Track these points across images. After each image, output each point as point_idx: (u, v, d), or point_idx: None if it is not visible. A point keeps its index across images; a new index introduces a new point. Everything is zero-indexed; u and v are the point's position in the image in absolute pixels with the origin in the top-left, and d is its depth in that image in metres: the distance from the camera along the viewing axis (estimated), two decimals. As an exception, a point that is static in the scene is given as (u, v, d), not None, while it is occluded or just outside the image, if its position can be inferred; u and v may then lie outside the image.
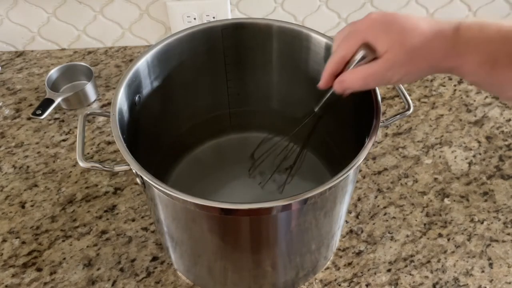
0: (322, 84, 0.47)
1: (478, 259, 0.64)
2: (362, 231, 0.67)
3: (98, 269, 0.64)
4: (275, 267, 0.56)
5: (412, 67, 0.42)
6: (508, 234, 0.67)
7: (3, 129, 0.82)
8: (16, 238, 0.67)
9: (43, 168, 0.75)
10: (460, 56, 0.41)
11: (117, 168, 0.49)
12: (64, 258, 0.65)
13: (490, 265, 0.64)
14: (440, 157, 0.76)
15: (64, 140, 0.79)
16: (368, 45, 0.43)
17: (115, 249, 0.66)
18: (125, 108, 0.53)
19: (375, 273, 0.63)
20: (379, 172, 0.74)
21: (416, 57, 0.42)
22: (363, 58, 0.43)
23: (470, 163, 0.75)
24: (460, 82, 0.88)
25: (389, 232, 0.67)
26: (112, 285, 0.62)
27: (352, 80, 0.45)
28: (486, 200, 0.70)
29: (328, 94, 0.49)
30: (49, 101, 0.81)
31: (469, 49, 0.40)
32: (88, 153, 0.77)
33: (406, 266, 0.64)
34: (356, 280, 0.62)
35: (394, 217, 0.69)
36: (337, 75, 0.46)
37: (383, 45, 0.42)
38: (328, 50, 0.57)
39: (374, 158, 0.76)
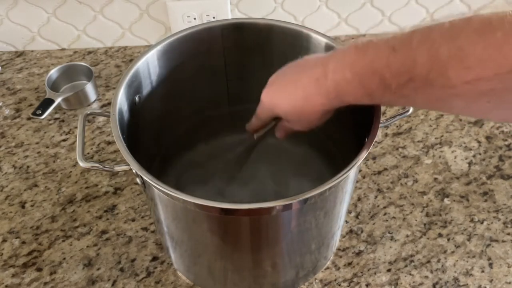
0: (251, 131, 0.58)
1: (478, 259, 0.64)
2: (362, 231, 0.67)
3: (98, 269, 0.64)
4: (275, 267, 0.56)
5: (304, 121, 0.49)
6: (508, 234, 0.67)
7: (3, 129, 0.82)
8: (16, 238, 0.67)
9: (43, 168, 0.75)
10: (340, 94, 0.43)
11: (117, 168, 0.49)
12: (64, 258, 0.65)
13: (490, 265, 0.64)
14: (440, 157, 0.76)
15: (64, 140, 0.80)
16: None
17: (115, 249, 0.66)
18: (125, 108, 0.53)
19: (375, 273, 0.63)
20: (379, 172, 0.74)
21: (302, 115, 0.48)
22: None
23: (470, 163, 0.75)
24: (460, 82, 0.88)
25: (389, 232, 0.67)
26: (112, 285, 0.62)
27: (287, 131, 0.55)
28: (486, 200, 0.70)
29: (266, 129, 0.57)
30: (49, 101, 0.81)
31: (342, 89, 0.43)
32: (88, 153, 0.77)
33: (406, 266, 0.64)
34: (356, 280, 0.62)
35: (394, 217, 0.69)
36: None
37: (281, 114, 0.50)
38: (328, 50, 0.57)
39: (374, 158, 0.76)
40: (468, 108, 0.38)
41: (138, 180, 0.48)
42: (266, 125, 0.56)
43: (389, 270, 0.63)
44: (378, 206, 0.70)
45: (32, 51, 0.97)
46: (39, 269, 0.64)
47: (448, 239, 0.66)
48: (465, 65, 0.33)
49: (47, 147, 0.78)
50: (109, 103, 0.86)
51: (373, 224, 0.68)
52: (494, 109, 0.37)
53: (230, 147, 0.73)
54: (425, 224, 0.68)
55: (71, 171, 0.75)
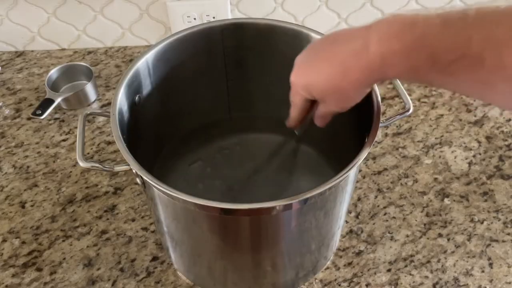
0: (292, 125, 0.53)
1: (478, 259, 0.64)
2: (362, 231, 0.67)
3: (98, 269, 0.64)
4: (275, 267, 0.56)
5: (342, 99, 0.46)
6: (508, 234, 0.67)
7: (3, 129, 0.82)
8: (16, 238, 0.67)
9: (43, 168, 0.75)
10: (384, 67, 0.40)
11: (117, 168, 0.49)
12: (64, 258, 0.65)
13: (490, 265, 0.64)
14: (440, 157, 0.76)
15: (64, 140, 0.80)
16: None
17: (115, 249, 0.66)
18: (125, 108, 0.53)
19: (375, 273, 0.63)
20: (379, 172, 0.74)
21: (341, 92, 0.44)
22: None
23: (470, 163, 0.75)
24: (460, 82, 0.88)
25: (389, 232, 0.67)
26: (112, 285, 0.62)
27: (326, 116, 0.51)
28: (486, 200, 0.70)
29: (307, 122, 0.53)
30: (49, 101, 0.81)
31: (387, 62, 0.40)
32: (88, 153, 0.77)
33: (406, 266, 0.64)
34: (356, 280, 0.62)
35: (394, 217, 0.69)
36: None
37: (316, 94, 0.47)
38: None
39: (374, 158, 0.76)
40: None
41: (138, 180, 0.48)
42: (306, 115, 0.52)
43: (389, 270, 0.63)
44: (378, 206, 0.70)
45: (32, 51, 0.97)
46: (39, 269, 0.64)
47: (448, 239, 0.66)
48: None
49: (47, 147, 0.78)
50: (109, 103, 0.86)
51: (373, 224, 0.68)
52: None
53: (230, 147, 0.73)
54: (425, 224, 0.68)
55: (71, 171, 0.75)
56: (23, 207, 0.71)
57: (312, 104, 0.50)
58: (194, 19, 0.90)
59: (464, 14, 0.35)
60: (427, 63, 0.37)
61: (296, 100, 0.50)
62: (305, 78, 0.46)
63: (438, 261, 0.64)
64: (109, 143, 0.79)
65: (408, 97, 0.56)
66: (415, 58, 0.37)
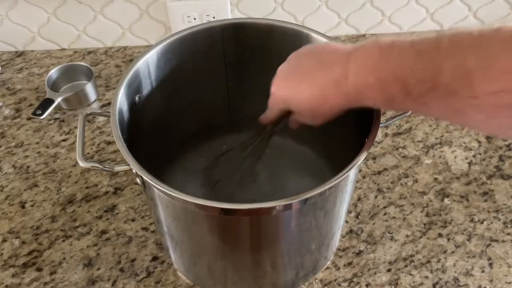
0: (264, 123, 0.56)
1: (478, 259, 0.64)
2: (362, 231, 0.67)
3: (98, 269, 0.64)
4: (275, 267, 0.56)
5: (318, 117, 0.48)
6: (508, 234, 0.67)
7: (3, 129, 0.82)
8: (16, 238, 0.67)
9: (43, 168, 0.75)
10: (360, 98, 0.42)
11: (117, 168, 0.49)
12: (64, 258, 0.65)
13: (490, 265, 0.64)
14: (440, 157, 0.76)
15: (64, 140, 0.80)
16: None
17: (115, 249, 0.66)
18: (125, 108, 0.53)
19: (375, 273, 0.63)
20: (379, 172, 0.74)
21: (318, 113, 0.47)
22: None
23: (470, 163, 0.75)
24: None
25: (389, 232, 0.67)
26: (112, 285, 0.62)
27: (300, 124, 0.53)
28: (486, 200, 0.70)
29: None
30: (49, 101, 0.81)
31: (363, 94, 0.41)
32: (88, 153, 0.77)
33: (406, 266, 0.64)
34: (356, 280, 0.62)
35: (394, 217, 0.69)
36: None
37: (293, 108, 0.49)
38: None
39: (374, 158, 0.76)
40: (488, 122, 0.37)
41: (138, 180, 0.48)
42: (280, 120, 0.54)
43: (389, 270, 0.63)
44: (378, 206, 0.70)
45: (32, 51, 0.97)
46: (39, 269, 0.64)
47: (448, 239, 0.66)
48: (490, 76, 0.33)
49: (47, 147, 0.78)
50: (109, 103, 0.86)
51: (373, 224, 0.68)
52: None
53: (230, 146, 0.73)
54: (425, 224, 0.68)
55: (71, 171, 0.75)
56: (23, 207, 0.71)
57: (288, 111, 0.52)
58: (194, 19, 0.90)
59: (437, 44, 0.36)
60: (401, 95, 0.38)
61: (274, 107, 0.52)
62: (285, 92, 0.49)
63: (438, 261, 0.64)
64: (109, 143, 0.79)
65: (408, 97, 0.56)
66: (389, 90, 0.39)
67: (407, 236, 0.67)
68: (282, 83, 0.49)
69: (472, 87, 0.34)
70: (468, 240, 0.66)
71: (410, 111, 0.56)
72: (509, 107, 0.33)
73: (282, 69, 0.49)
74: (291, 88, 0.48)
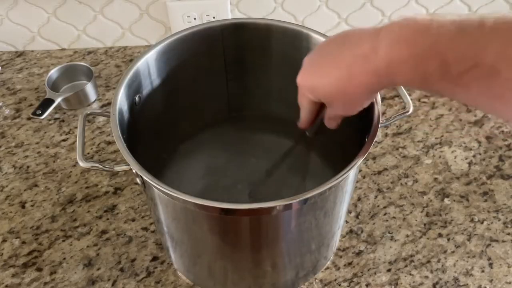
0: (303, 127, 0.52)
1: (478, 259, 0.64)
2: (362, 231, 0.67)
3: (98, 269, 0.64)
4: (275, 267, 0.56)
5: (348, 104, 0.44)
6: (508, 234, 0.67)
7: (3, 129, 0.82)
8: (16, 238, 0.67)
9: (43, 168, 0.75)
10: (392, 74, 0.38)
11: (117, 168, 0.49)
12: (64, 258, 0.65)
13: (490, 265, 0.64)
14: (440, 157, 0.76)
15: (64, 140, 0.80)
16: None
17: (115, 249, 0.66)
18: (125, 108, 0.53)
19: (375, 273, 0.63)
20: (379, 172, 0.74)
21: (347, 97, 0.43)
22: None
23: (470, 163, 0.75)
24: (460, 82, 0.88)
25: (389, 232, 0.67)
26: (112, 285, 0.62)
27: (336, 119, 0.50)
28: (486, 200, 0.70)
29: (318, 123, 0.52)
30: (49, 101, 0.81)
31: (395, 69, 0.38)
32: (88, 153, 0.77)
33: (406, 266, 0.64)
34: (356, 280, 0.62)
35: (394, 217, 0.69)
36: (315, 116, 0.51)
37: (321, 98, 0.45)
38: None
39: (374, 158, 0.76)
40: None
41: (138, 180, 0.48)
42: (316, 117, 0.51)
43: (389, 270, 0.63)
44: (378, 206, 0.70)
45: (32, 51, 0.97)
46: (39, 269, 0.64)
47: (448, 239, 0.66)
48: None
49: (47, 147, 0.78)
50: (109, 103, 0.86)
51: (373, 224, 0.68)
52: None
53: (230, 146, 0.73)
54: (425, 224, 0.68)
55: (71, 171, 0.75)
56: (23, 207, 0.71)
57: (321, 106, 0.48)
58: (194, 19, 0.90)
59: (481, 23, 0.33)
60: (438, 72, 0.35)
61: (304, 102, 0.49)
62: (311, 80, 0.45)
63: (438, 261, 0.64)
64: (109, 143, 0.79)
65: (408, 97, 0.56)
66: (425, 67, 0.36)
67: (407, 236, 0.67)
68: (306, 72, 0.46)
69: None
70: (468, 240, 0.66)
71: (411, 110, 0.54)
72: None
73: (307, 59, 0.46)
74: (316, 74, 0.44)
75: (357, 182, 0.73)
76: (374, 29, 0.39)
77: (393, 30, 0.37)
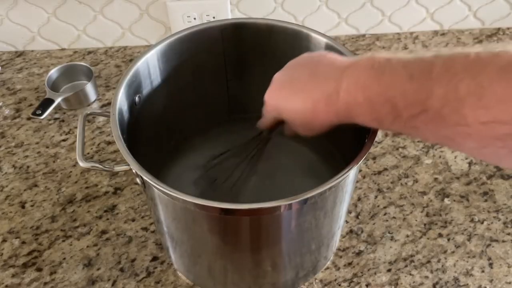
0: (262, 128, 0.56)
1: (478, 259, 0.64)
2: (362, 231, 0.67)
3: (98, 269, 0.64)
4: (275, 267, 0.56)
5: (309, 129, 0.47)
6: (508, 234, 0.67)
7: (3, 129, 0.82)
8: (16, 238, 0.67)
9: (43, 168, 0.75)
10: (350, 116, 0.41)
11: (117, 168, 0.49)
12: (64, 258, 0.65)
13: (490, 265, 0.64)
14: (440, 157, 0.76)
15: (64, 140, 0.80)
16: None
17: (115, 249, 0.66)
18: (125, 108, 0.53)
19: (375, 273, 0.63)
20: (379, 172, 0.74)
21: (309, 125, 0.46)
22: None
23: (470, 163, 0.75)
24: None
25: (389, 232, 0.67)
26: (112, 285, 0.62)
27: (293, 133, 0.52)
28: (486, 200, 0.70)
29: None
30: (49, 101, 0.81)
31: (353, 112, 0.41)
32: (88, 153, 0.77)
33: (406, 266, 0.64)
34: (356, 280, 0.62)
35: (394, 217, 0.69)
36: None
37: (284, 118, 0.49)
38: (328, 50, 0.57)
39: (374, 158, 0.76)
40: (480, 151, 0.35)
41: (138, 180, 0.48)
42: (274, 126, 0.55)
43: (389, 270, 0.63)
44: (378, 206, 0.70)
45: (32, 51, 0.97)
46: (39, 269, 0.64)
47: (448, 239, 0.66)
48: (483, 104, 0.31)
49: (47, 147, 0.78)
50: (109, 103, 0.86)
51: (373, 224, 0.68)
52: (508, 156, 0.33)
53: (230, 146, 0.73)
54: (425, 224, 0.68)
55: (71, 171, 0.75)
56: (23, 207, 0.71)
57: (282, 120, 0.51)
58: (194, 19, 0.90)
59: (431, 66, 0.34)
60: (390, 116, 0.37)
61: (267, 115, 0.53)
62: (278, 102, 0.49)
63: (438, 261, 0.64)
64: (109, 143, 0.79)
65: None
66: (378, 111, 0.38)
67: (407, 236, 0.67)
68: (275, 92, 0.49)
69: (462, 115, 0.32)
70: (468, 240, 0.66)
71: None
72: (503, 138, 0.31)
73: (277, 77, 0.49)
74: (284, 99, 0.48)
75: (357, 182, 0.73)
76: (343, 64, 0.42)
77: (353, 73, 0.40)
